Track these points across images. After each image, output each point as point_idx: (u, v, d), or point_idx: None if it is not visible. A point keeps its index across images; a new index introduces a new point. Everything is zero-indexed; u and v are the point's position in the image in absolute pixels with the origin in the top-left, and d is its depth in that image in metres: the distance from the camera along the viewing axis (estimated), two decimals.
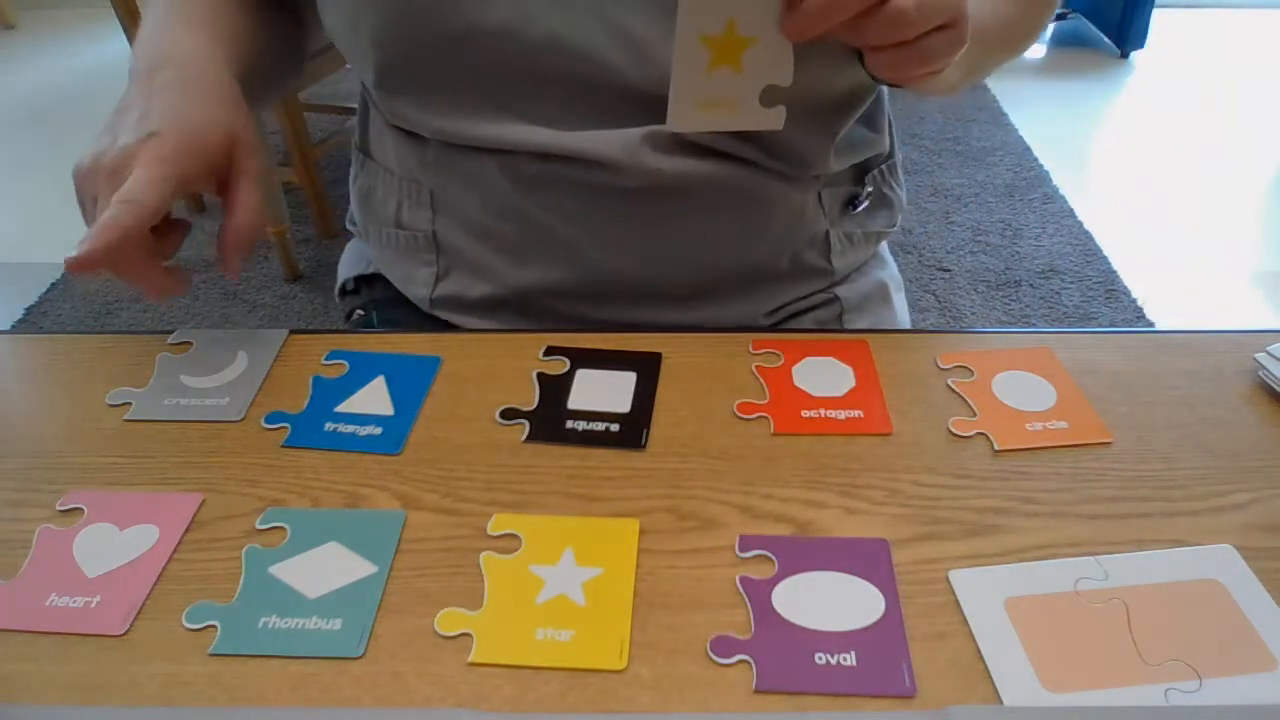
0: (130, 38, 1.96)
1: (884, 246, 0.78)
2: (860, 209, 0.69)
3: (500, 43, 0.55)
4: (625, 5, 0.54)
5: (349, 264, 0.80)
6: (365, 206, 0.73)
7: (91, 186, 0.50)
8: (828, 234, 0.68)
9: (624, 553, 0.43)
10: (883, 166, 0.71)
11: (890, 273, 0.77)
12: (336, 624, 0.40)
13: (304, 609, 0.41)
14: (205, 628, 0.40)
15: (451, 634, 0.39)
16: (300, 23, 0.70)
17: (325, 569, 0.42)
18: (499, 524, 0.44)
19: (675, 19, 0.54)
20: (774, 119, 0.50)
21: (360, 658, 0.39)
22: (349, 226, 0.78)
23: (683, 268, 0.63)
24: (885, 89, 0.67)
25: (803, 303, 0.70)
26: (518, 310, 0.66)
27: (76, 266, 0.47)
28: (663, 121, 0.58)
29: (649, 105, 0.57)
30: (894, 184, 0.73)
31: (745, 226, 0.64)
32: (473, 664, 0.38)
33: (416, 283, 0.70)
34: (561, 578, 0.42)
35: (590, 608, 0.40)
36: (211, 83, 0.55)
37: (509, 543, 0.44)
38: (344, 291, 0.81)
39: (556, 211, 0.62)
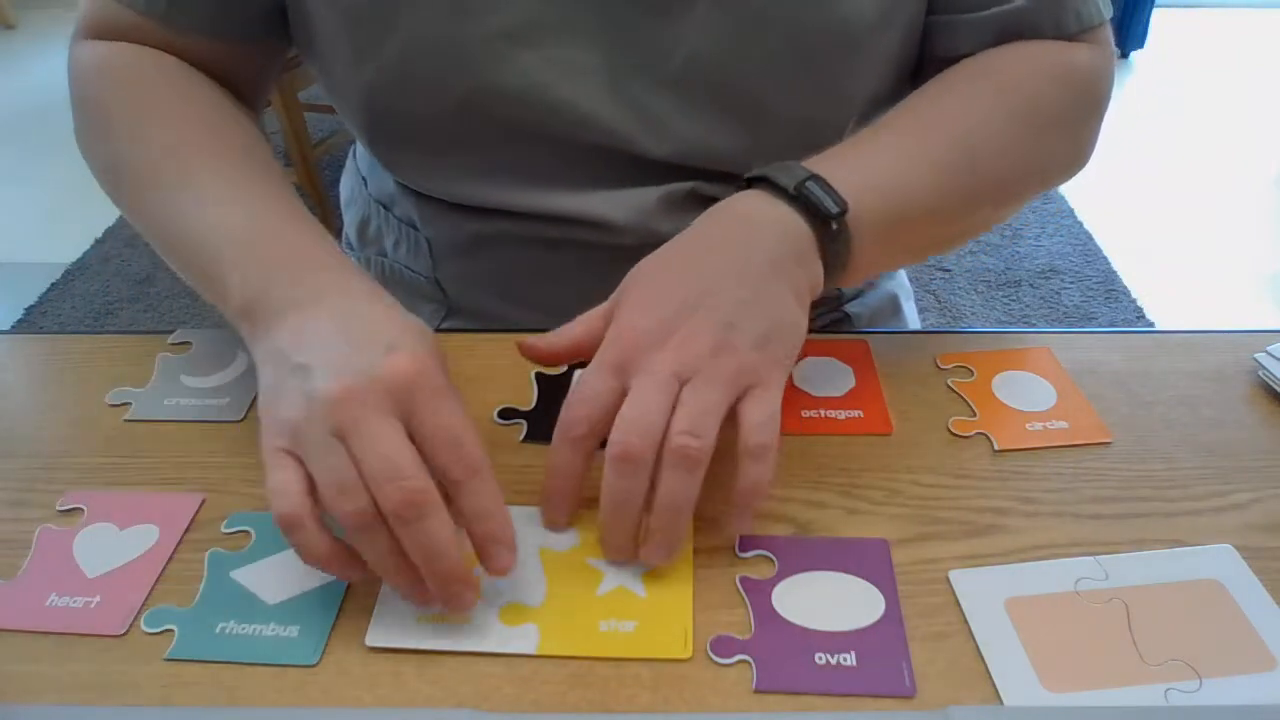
0: None
1: None
2: None
3: (508, 108, 0.54)
4: (640, 80, 0.54)
5: None
6: (360, 235, 0.72)
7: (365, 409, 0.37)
8: None
9: None
10: None
11: (899, 282, 0.76)
12: (294, 630, 0.39)
13: (262, 615, 0.40)
14: (163, 631, 0.40)
15: (515, 627, 0.39)
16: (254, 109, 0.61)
17: (287, 574, 0.42)
18: None
19: (693, 96, 0.53)
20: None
21: (361, 658, 0.39)
22: (344, 247, 0.76)
23: None
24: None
25: (812, 324, 0.70)
26: None
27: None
28: (676, 183, 0.57)
29: (660, 172, 0.57)
30: None
31: None
32: (538, 655, 0.38)
33: (419, 316, 0.70)
34: (619, 569, 0.42)
35: (651, 599, 0.40)
36: (385, 293, 0.46)
37: (562, 537, 0.44)
38: None
39: (563, 269, 0.61)
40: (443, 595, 0.38)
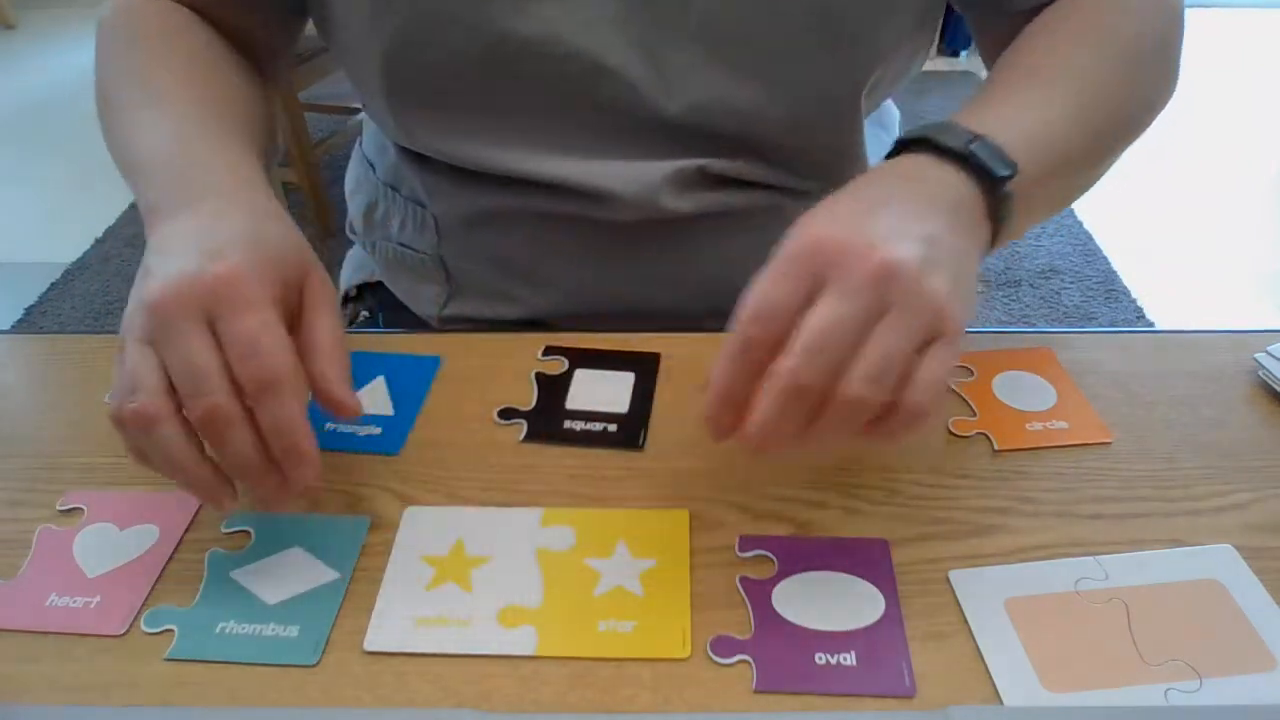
0: None
1: None
2: None
3: (526, 59, 0.54)
4: (657, 33, 0.53)
5: (351, 271, 0.79)
6: (366, 220, 0.72)
7: (173, 319, 0.37)
8: None
9: (676, 543, 0.43)
10: None
11: None
12: (294, 630, 0.40)
13: (262, 615, 0.40)
14: (163, 631, 0.40)
15: (513, 629, 0.39)
16: (268, 79, 0.63)
17: (287, 574, 0.42)
18: (548, 519, 0.45)
19: (710, 49, 0.52)
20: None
21: (361, 657, 0.39)
22: (349, 234, 0.77)
23: (701, 292, 0.63)
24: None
25: None
26: (533, 329, 0.66)
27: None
28: (687, 155, 0.56)
29: (673, 135, 0.57)
30: None
31: (761, 246, 0.64)
32: (537, 656, 0.38)
33: (423, 300, 0.70)
34: (617, 570, 0.42)
35: (649, 598, 0.41)
36: (269, 205, 0.46)
37: (560, 538, 0.44)
38: (346, 299, 0.80)
39: (565, 243, 0.62)
40: (257, 498, 0.39)
